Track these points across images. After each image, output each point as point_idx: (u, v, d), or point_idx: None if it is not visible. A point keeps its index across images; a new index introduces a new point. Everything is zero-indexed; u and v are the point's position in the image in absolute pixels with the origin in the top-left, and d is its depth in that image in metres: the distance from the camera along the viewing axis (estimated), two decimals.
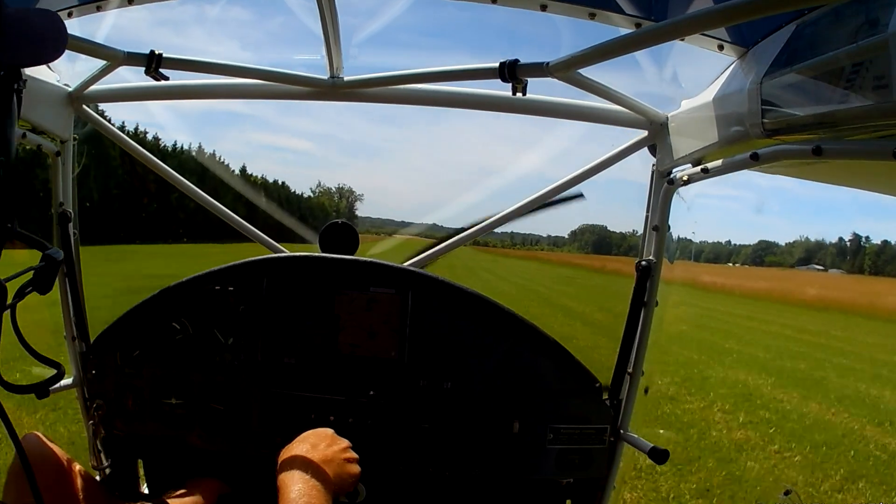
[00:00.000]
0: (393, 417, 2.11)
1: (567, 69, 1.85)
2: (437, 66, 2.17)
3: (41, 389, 1.34)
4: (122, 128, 2.58)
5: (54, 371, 1.34)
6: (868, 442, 9.10)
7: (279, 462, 1.52)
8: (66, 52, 2.21)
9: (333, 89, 2.31)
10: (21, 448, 1.19)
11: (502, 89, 2.04)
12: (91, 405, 2.28)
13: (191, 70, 2.24)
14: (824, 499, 6.73)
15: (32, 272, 1.05)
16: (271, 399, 2.14)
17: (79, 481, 1.77)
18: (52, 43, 1.04)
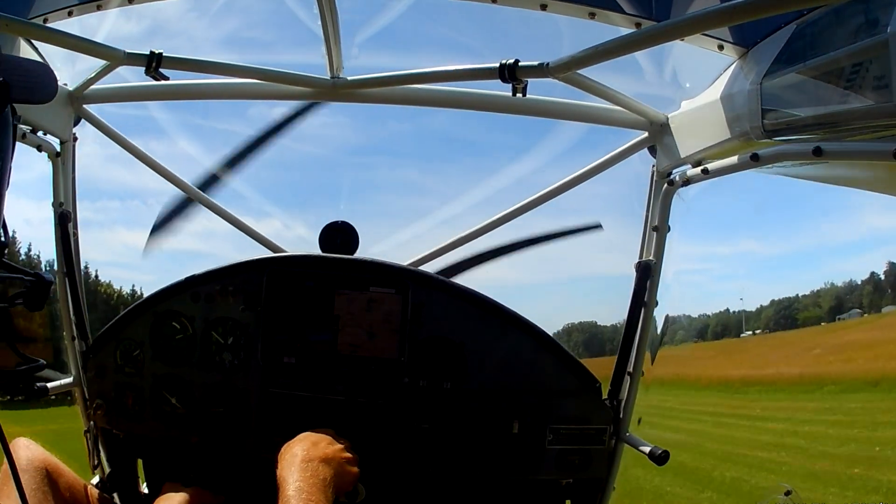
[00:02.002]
0: (393, 417, 2.11)
1: (567, 70, 1.85)
2: (438, 67, 2.17)
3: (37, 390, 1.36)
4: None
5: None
6: None
7: (279, 460, 1.52)
8: (66, 51, 2.23)
9: (334, 89, 2.31)
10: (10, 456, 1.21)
11: (502, 90, 2.04)
12: (91, 405, 2.28)
13: (191, 70, 2.24)
14: None
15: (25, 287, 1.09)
16: (271, 399, 2.14)
17: (69, 486, 1.76)
18: (45, 85, 1.10)
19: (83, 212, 2.54)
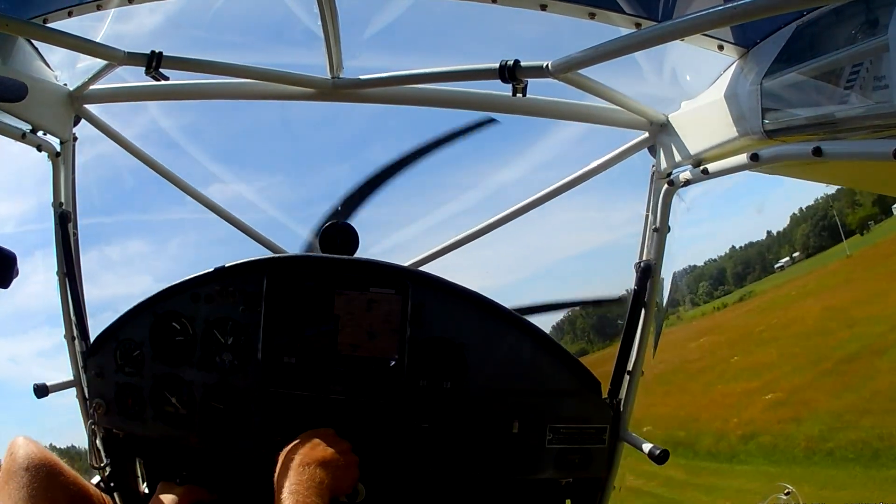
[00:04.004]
0: (393, 417, 2.11)
1: (567, 70, 1.85)
2: (438, 67, 2.17)
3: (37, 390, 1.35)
4: None
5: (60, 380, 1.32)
6: None
7: (277, 463, 1.52)
8: (66, 51, 2.23)
9: (334, 90, 2.31)
10: None
11: (503, 90, 2.04)
12: (91, 405, 2.28)
13: (191, 70, 2.24)
14: None
15: None
16: (271, 399, 2.14)
17: (68, 485, 1.76)
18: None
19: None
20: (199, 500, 2.05)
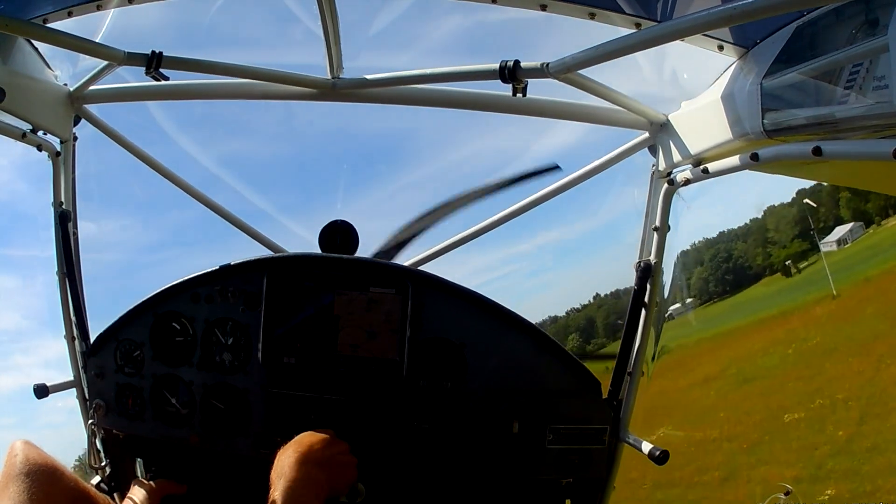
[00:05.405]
0: (393, 418, 2.11)
1: (567, 70, 1.85)
2: (438, 67, 2.17)
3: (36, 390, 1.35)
4: None
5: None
6: None
7: (274, 462, 1.53)
8: (66, 51, 2.23)
9: (334, 90, 2.31)
10: None
11: (502, 90, 2.04)
12: (91, 405, 2.28)
13: (191, 70, 2.24)
14: None
15: None
16: (271, 399, 2.14)
17: (68, 487, 1.75)
18: None
19: None
20: (169, 494, 2.06)
